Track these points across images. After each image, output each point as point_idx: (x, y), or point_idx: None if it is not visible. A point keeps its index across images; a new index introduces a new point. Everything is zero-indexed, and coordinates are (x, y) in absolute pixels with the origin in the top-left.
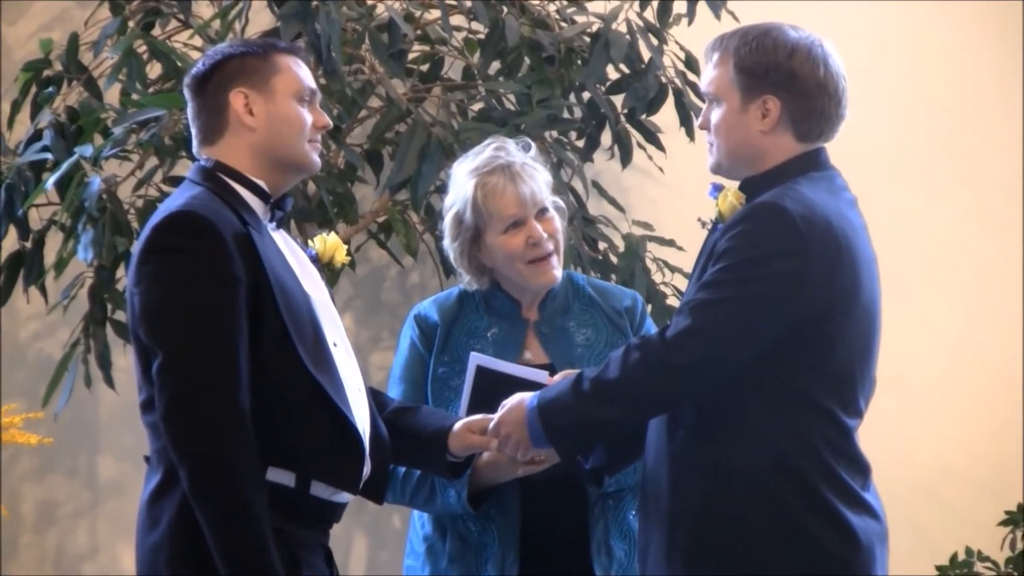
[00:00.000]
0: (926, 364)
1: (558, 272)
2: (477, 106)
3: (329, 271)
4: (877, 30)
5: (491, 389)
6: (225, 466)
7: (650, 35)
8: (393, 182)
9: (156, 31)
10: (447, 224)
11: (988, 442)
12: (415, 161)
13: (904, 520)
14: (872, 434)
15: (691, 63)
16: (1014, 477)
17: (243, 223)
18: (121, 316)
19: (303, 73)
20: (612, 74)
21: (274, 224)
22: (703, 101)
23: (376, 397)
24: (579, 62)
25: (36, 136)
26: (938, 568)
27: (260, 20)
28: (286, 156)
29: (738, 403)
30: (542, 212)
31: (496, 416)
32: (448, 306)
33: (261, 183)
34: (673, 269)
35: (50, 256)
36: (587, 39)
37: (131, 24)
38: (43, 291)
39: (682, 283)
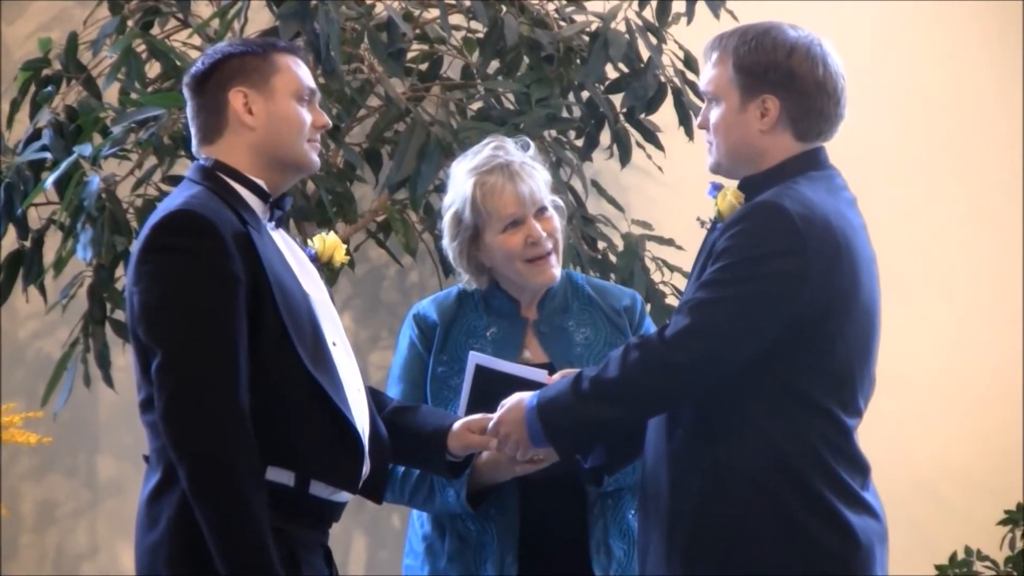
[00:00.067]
0: (926, 364)
1: (557, 271)
2: (476, 105)
3: (328, 270)
4: (876, 29)
5: (490, 388)
6: (224, 466)
7: (649, 34)
8: (392, 181)
9: (155, 30)
10: (446, 223)
11: (987, 441)
12: (414, 160)
13: (903, 519)
14: (872, 433)
15: (690, 62)
16: (1013, 476)
17: (242, 222)
18: (120, 315)
19: (302, 72)
20: (611, 73)
21: (273, 223)
22: (702, 100)
23: (375, 396)
24: (578, 61)
25: (35, 135)
26: (937, 567)
27: (259, 19)
28: (285, 155)
29: (737, 402)
30: (541, 211)
31: (495, 415)
32: (447, 305)
33: (260, 182)
34: (672, 268)
35: (49, 255)
36: (586, 38)
37: (130, 23)
38: (42, 290)
39: (681, 282)
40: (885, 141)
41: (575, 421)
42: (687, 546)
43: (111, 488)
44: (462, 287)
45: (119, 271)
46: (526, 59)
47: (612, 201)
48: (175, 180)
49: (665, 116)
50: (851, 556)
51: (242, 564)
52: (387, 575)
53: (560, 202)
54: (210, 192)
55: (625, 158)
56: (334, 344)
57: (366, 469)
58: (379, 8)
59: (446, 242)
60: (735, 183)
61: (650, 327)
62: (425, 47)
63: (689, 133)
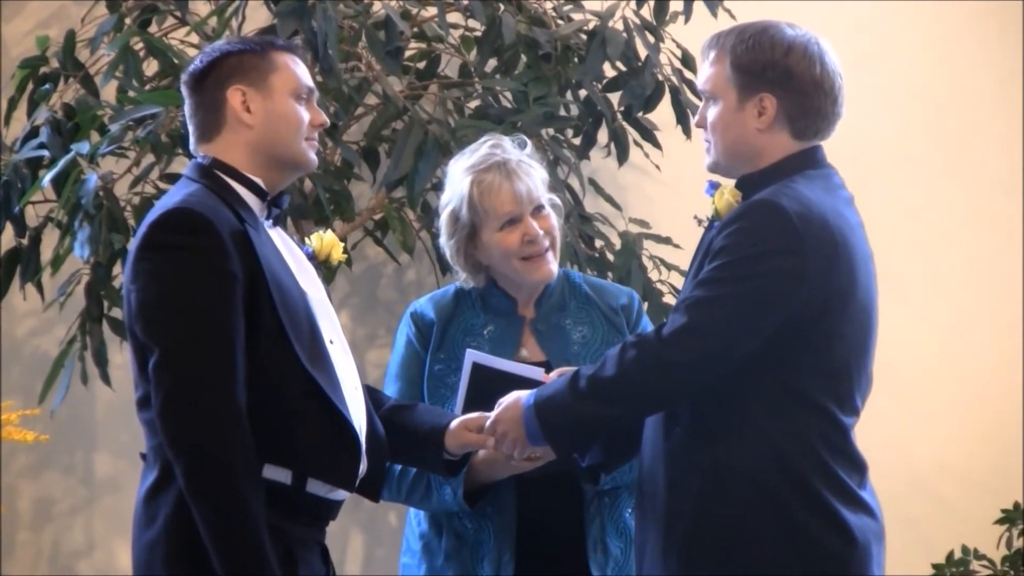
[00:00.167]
0: (923, 362)
1: (554, 267)
2: (474, 103)
3: (326, 268)
4: (874, 28)
5: (487, 386)
6: (221, 463)
7: (647, 33)
8: (389, 179)
9: (153, 28)
10: (443, 221)
11: (985, 440)
12: (411, 158)
13: (901, 518)
14: (869, 432)
15: (688, 61)
16: (1011, 475)
17: (240, 220)
18: (118, 313)
19: (301, 71)
20: (609, 72)
21: (271, 221)
22: (700, 99)
23: (372, 395)
24: (576, 60)
25: (33, 133)
26: (934, 566)
27: (257, 17)
28: (283, 154)
29: (736, 401)
30: (538, 209)
31: (493, 414)
32: (444, 303)
33: (258, 180)
34: (669, 267)
35: (47, 253)
36: (584, 37)
37: (128, 21)
38: (39, 288)
39: (678, 281)
40: (883, 140)
41: (572, 419)
42: (685, 545)
43: (108, 486)
44: (459, 285)
45: (116, 269)
46: (524, 57)
47: (609, 199)
48: (173, 178)
49: (663, 115)
50: (848, 555)
51: (239, 562)
52: (384, 574)
53: (557, 200)
54: (208, 190)
55: (622, 156)
56: (331, 342)
57: (363, 467)
58: (377, 6)
59: (443, 240)
60: (732, 182)
61: (647, 325)
62: (423, 45)
63: (687, 132)
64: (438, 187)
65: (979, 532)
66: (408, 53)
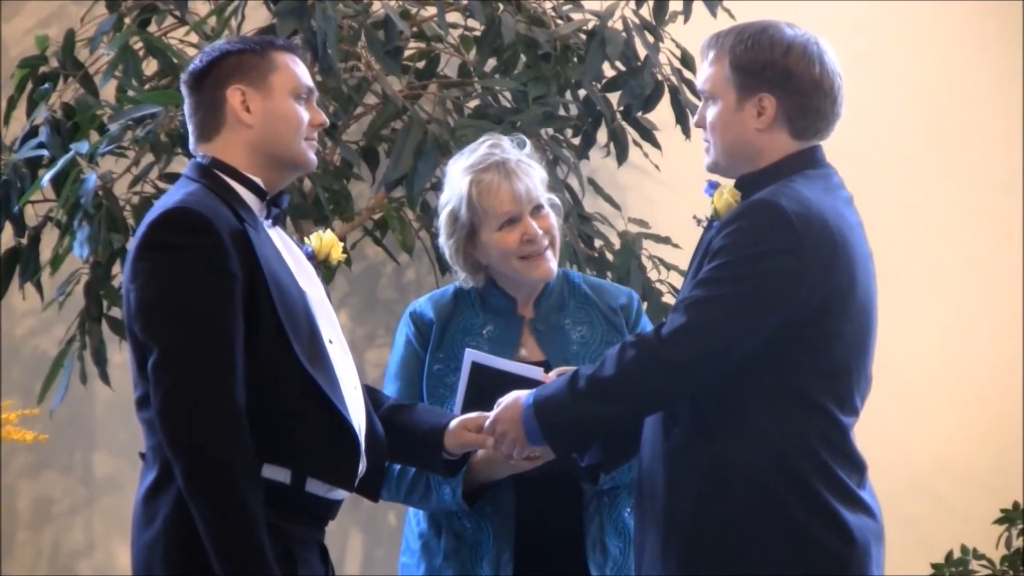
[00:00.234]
0: (923, 362)
1: (553, 265)
2: (473, 103)
3: (325, 268)
4: (874, 28)
5: (487, 386)
6: (221, 463)
7: (646, 32)
8: (389, 179)
9: (152, 28)
10: (442, 221)
11: (985, 440)
12: (411, 158)
13: (900, 518)
14: (868, 432)
15: (687, 61)
16: (1010, 475)
17: (239, 220)
18: (117, 312)
19: (300, 71)
20: (608, 71)
21: (270, 221)
22: (699, 99)
23: (372, 394)
24: (575, 59)
25: (32, 133)
26: (934, 566)
27: (256, 17)
28: (283, 154)
29: (735, 401)
30: (537, 209)
31: (492, 414)
32: (444, 303)
33: (257, 180)
34: (669, 267)
35: (46, 252)
36: (583, 36)
37: (127, 21)
38: (39, 287)
39: (678, 281)
40: (883, 140)
41: (571, 419)
42: (685, 545)
43: (107, 485)
44: (459, 285)
45: (116, 268)
46: (523, 57)
47: (609, 199)
48: (172, 177)
49: (662, 114)
50: (848, 555)
51: (238, 562)
52: (383, 573)
53: (556, 200)
54: (207, 190)
55: (622, 156)
56: (331, 342)
57: (362, 467)
58: (376, 6)
59: (442, 240)
60: (732, 181)
61: (646, 325)
62: (422, 45)
63: (686, 131)
64: (437, 187)
65: (978, 532)
66: (407, 53)
